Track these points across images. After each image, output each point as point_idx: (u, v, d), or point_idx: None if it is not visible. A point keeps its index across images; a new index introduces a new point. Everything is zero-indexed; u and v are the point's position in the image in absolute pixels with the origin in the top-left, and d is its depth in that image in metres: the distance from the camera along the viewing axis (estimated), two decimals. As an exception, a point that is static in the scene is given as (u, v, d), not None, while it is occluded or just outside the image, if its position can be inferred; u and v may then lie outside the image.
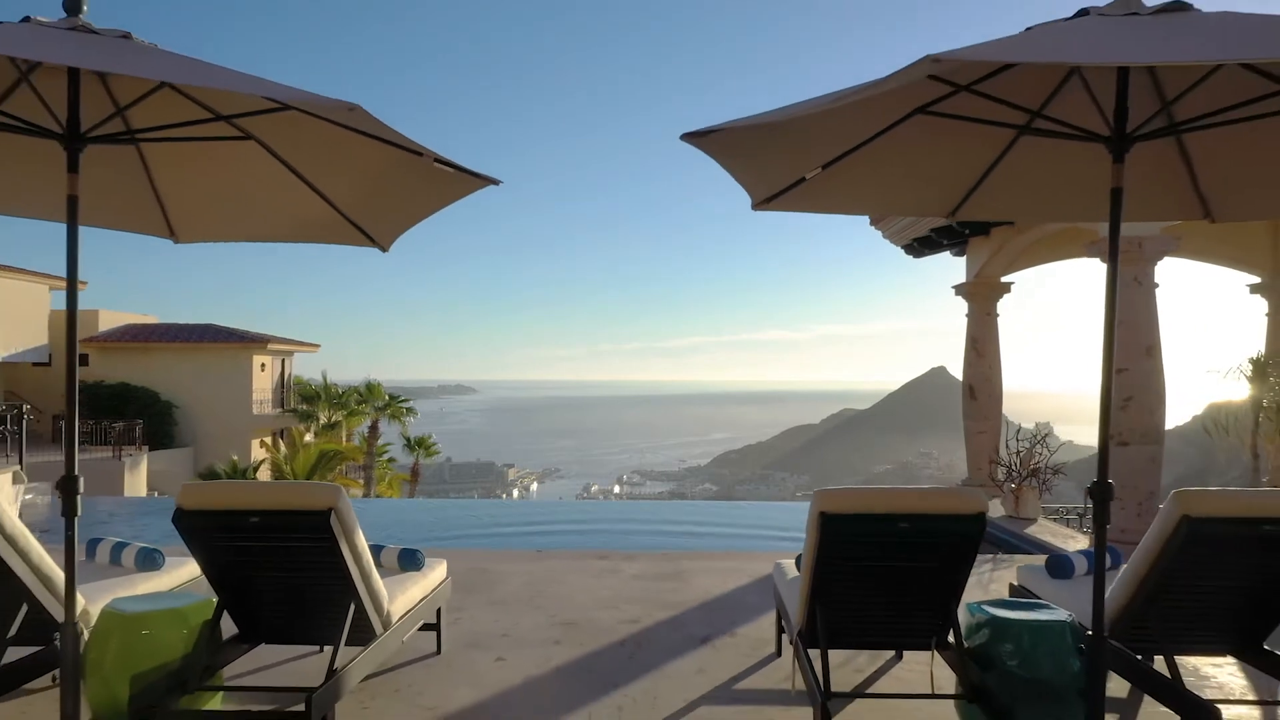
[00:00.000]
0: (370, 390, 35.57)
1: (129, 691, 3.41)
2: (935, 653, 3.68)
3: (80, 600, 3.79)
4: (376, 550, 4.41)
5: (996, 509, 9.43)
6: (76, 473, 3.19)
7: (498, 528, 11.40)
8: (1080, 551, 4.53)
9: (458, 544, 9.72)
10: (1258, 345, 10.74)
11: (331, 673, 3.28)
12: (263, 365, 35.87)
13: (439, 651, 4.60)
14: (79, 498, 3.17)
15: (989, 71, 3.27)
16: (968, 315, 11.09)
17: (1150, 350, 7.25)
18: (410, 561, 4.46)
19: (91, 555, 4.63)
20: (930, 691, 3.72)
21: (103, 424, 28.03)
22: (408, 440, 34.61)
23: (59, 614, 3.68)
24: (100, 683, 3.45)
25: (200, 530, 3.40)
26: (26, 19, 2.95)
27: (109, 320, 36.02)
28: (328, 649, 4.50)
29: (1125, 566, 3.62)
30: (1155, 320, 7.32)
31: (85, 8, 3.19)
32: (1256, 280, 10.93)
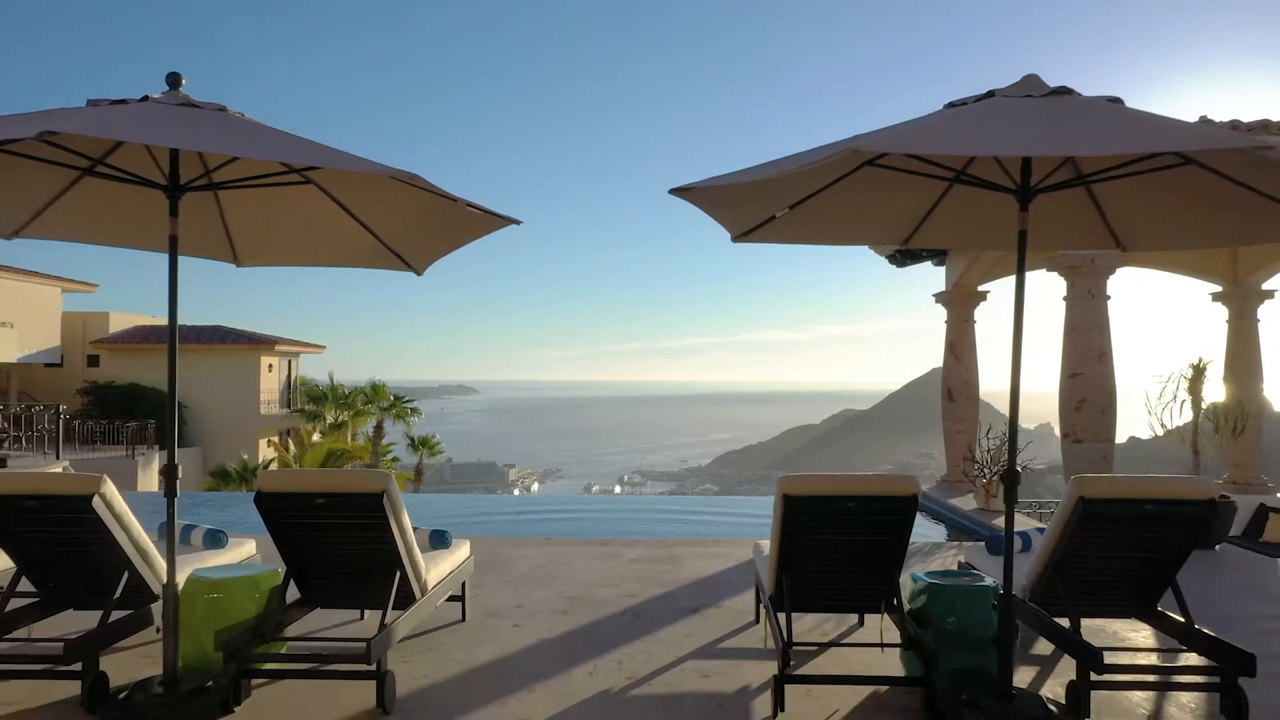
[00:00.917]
0: (375, 390, 36.32)
1: (214, 644, 4.14)
2: (885, 614, 4.40)
3: (162, 569, 4.53)
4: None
5: (970, 502, 10.16)
6: (176, 462, 3.93)
7: (503, 516, 12.12)
8: (1017, 533, 5.25)
9: (470, 531, 10.43)
10: (1220, 350, 11.50)
11: (383, 626, 4.00)
12: (270, 366, 36.62)
13: (464, 619, 5.33)
14: (177, 483, 3.91)
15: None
16: (946, 322, 11.81)
17: (1102, 356, 7.97)
18: (440, 540, 5.19)
19: (163, 537, 5.35)
20: (879, 644, 4.45)
21: (115, 424, 28.76)
22: (411, 440, 35.32)
23: (151, 582, 4.41)
24: (189, 637, 4.18)
25: (276, 509, 4.13)
26: (146, 98, 3.67)
27: (119, 322, 36.76)
28: (367, 617, 5.23)
29: (1040, 542, 4.35)
30: (1107, 329, 8.04)
31: (184, 81, 3.92)
32: (1218, 289, 11.66)
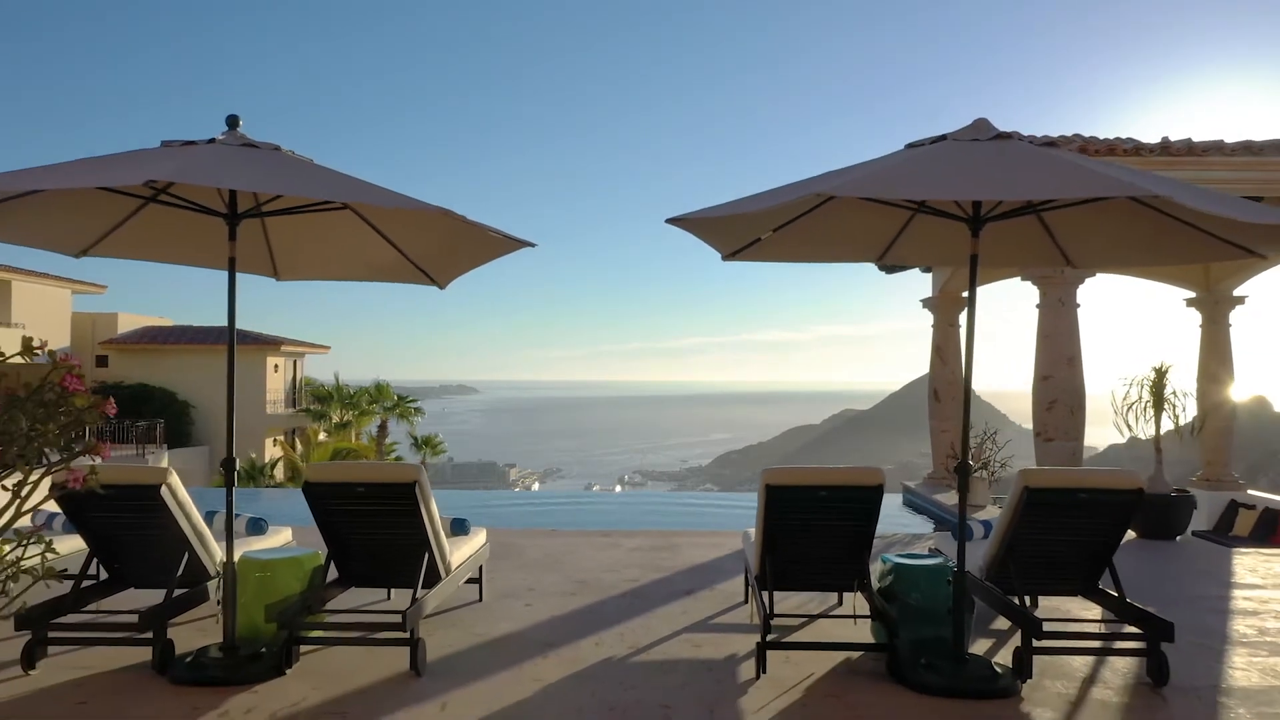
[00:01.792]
0: (380, 391, 36.93)
1: (264, 616, 4.71)
2: (857, 591, 4.96)
3: (218, 551, 5.11)
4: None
5: (954, 498, 10.72)
6: (234, 456, 4.50)
7: (506, 510, 12.70)
8: (980, 521, 5.82)
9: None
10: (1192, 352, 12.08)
11: (414, 599, 4.56)
12: (275, 366, 37.20)
13: (481, 599, 5.90)
14: (234, 475, 4.48)
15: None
16: (933, 326, 12.38)
17: (1071, 360, 8.54)
18: (460, 528, 5.76)
19: (209, 524, 5.91)
20: (853, 615, 5.02)
21: (124, 423, 29.29)
22: (415, 439, 35.88)
23: (207, 562, 4.98)
24: (241, 610, 4.74)
25: (321, 496, 4.70)
26: (213, 140, 4.24)
27: (127, 323, 37.34)
28: (394, 597, 5.79)
29: (994, 527, 4.92)
30: (1077, 334, 8.60)
31: (241, 123, 4.48)
32: (1192, 295, 12.23)
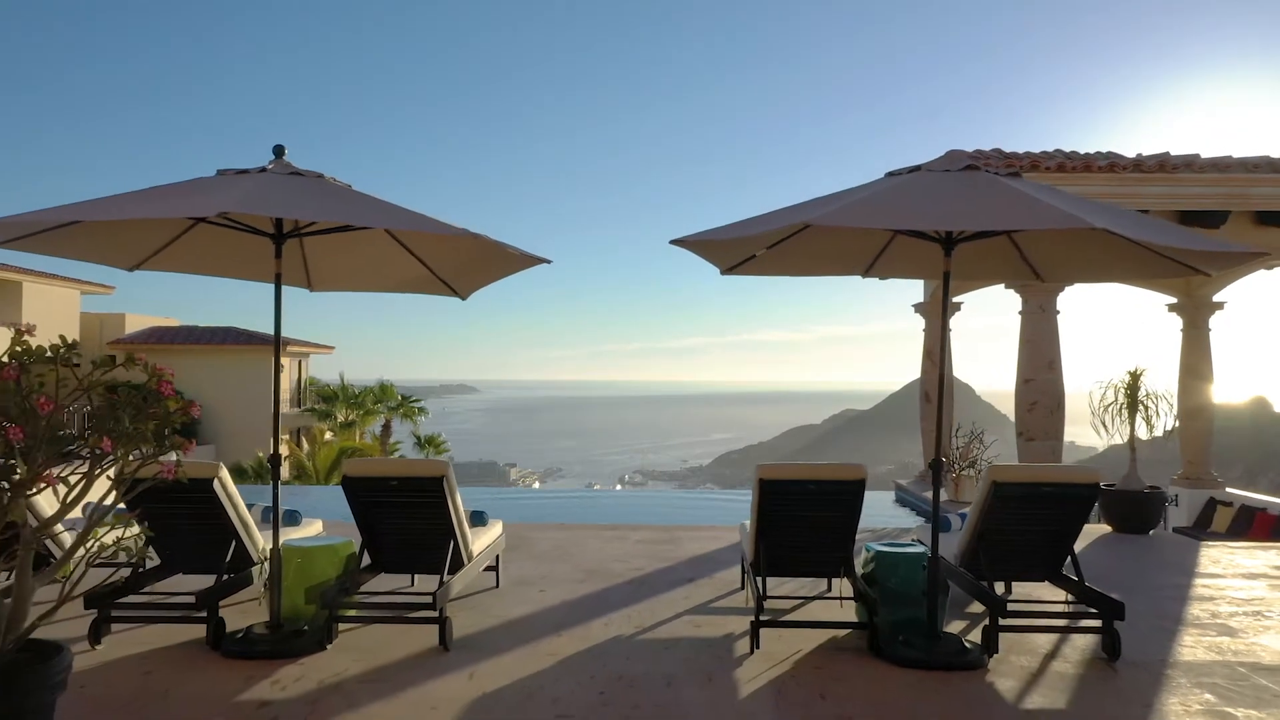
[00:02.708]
0: (384, 390, 37.47)
1: (304, 598, 5.20)
2: (844, 577, 5.45)
3: (260, 540, 5.60)
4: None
5: (942, 495, 11.22)
6: (279, 453, 4.99)
7: (511, 505, 13.19)
8: (960, 514, 6.31)
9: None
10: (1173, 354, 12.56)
11: (442, 582, 5.05)
12: (282, 366, 37.72)
13: (498, 586, 6.39)
14: (280, 469, 4.96)
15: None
16: (925, 330, 12.87)
17: (1051, 364, 9.03)
18: (478, 519, 6.25)
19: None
20: (839, 597, 5.51)
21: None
22: (418, 439, 36.39)
23: (251, 550, 5.47)
24: (283, 593, 5.23)
25: (358, 490, 5.19)
26: (263, 169, 4.72)
27: (135, 323, 37.82)
28: (417, 582, 6.28)
29: (967, 518, 5.41)
30: (1056, 339, 9.09)
31: (287, 151, 4.97)
32: (1174, 301, 12.72)
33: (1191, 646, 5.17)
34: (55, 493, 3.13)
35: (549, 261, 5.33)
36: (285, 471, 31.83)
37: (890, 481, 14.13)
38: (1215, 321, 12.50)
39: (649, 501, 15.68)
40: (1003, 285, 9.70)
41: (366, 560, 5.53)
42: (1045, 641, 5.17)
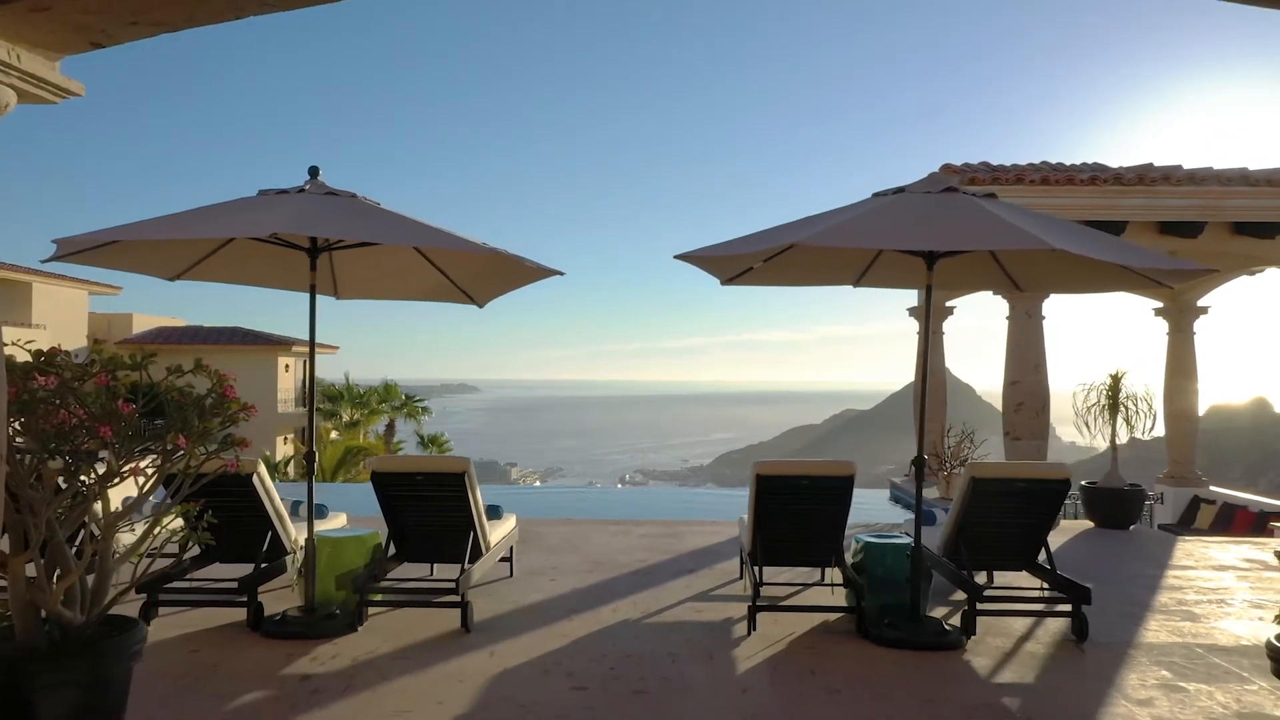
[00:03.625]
0: (388, 390, 37.94)
1: (335, 585, 5.63)
2: (834, 565, 5.87)
3: (293, 531, 6.02)
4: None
5: (934, 491, 11.65)
6: (313, 450, 5.42)
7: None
8: (943, 509, 6.73)
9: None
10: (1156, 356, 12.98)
11: (464, 569, 5.48)
12: (286, 366, 38.11)
13: (511, 575, 6.82)
14: (315, 466, 5.39)
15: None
16: (919, 333, 13.28)
17: (1037, 367, 9.45)
18: (494, 513, 6.67)
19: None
20: (830, 584, 5.95)
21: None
22: (421, 438, 36.84)
23: (285, 540, 5.89)
24: (316, 580, 5.66)
25: (386, 484, 5.62)
26: (301, 189, 5.14)
27: (142, 324, 38.28)
28: (436, 571, 6.69)
29: (949, 512, 5.83)
30: (1042, 343, 9.52)
31: (321, 172, 5.40)
32: (1160, 305, 13.14)
33: (1155, 630, 5.59)
34: (136, 483, 3.55)
35: (562, 273, 5.75)
36: (291, 470, 32.29)
37: (889, 480, 14.56)
38: (1202, 325, 12.91)
39: (651, 498, 16.12)
40: (991, 291, 10.11)
41: (392, 550, 5.96)
42: (1020, 625, 5.60)
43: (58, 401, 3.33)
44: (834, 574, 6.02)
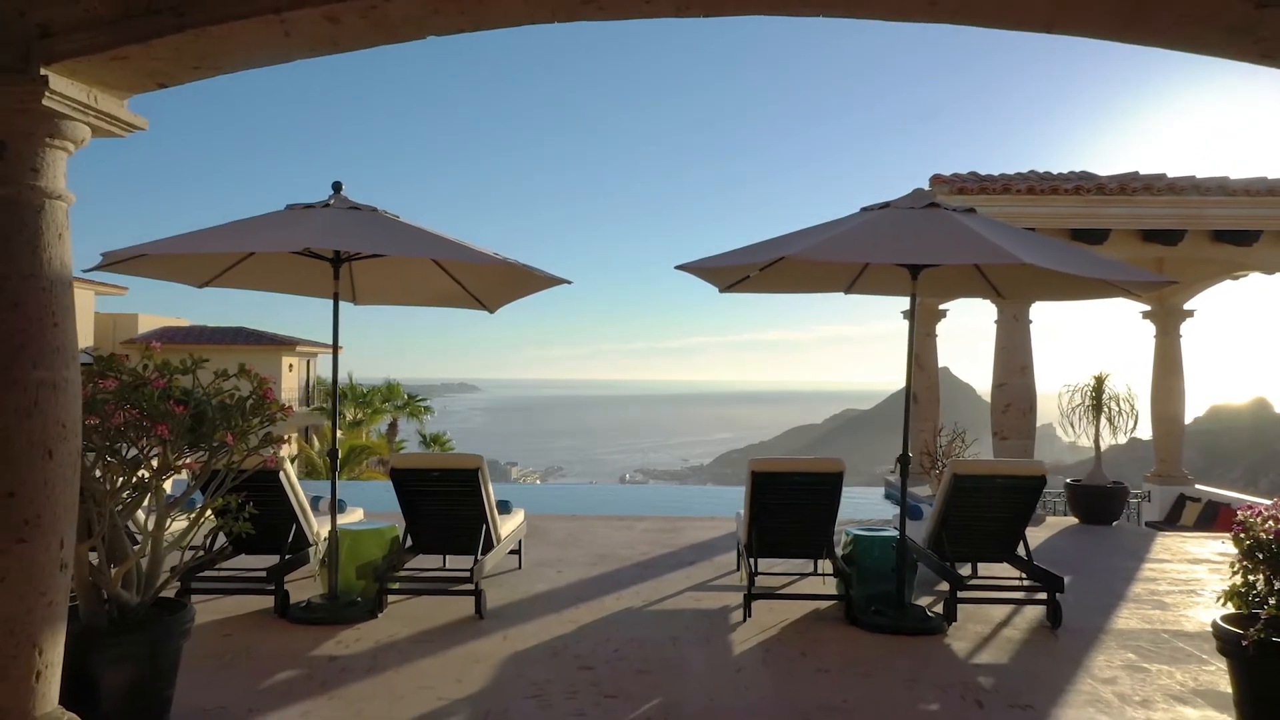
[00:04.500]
0: (391, 389, 38.33)
1: (355, 574, 5.99)
2: (826, 556, 6.23)
3: (316, 523, 6.39)
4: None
5: (926, 490, 12.01)
6: (336, 448, 5.79)
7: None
8: (930, 504, 7.09)
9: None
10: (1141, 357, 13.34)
11: (477, 560, 5.85)
12: (290, 366, 38.48)
13: (520, 567, 7.19)
14: (338, 463, 5.75)
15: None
16: (907, 339, 13.64)
17: (1024, 369, 9.82)
18: (503, 508, 7.03)
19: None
20: (821, 574, 6.32)
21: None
22: (423, 437, 37.21)
23: (308, 533, 6.25)
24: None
25: (404, 480, 5.99)
26: (326, 204, 5.50)
27: (147, 324, 38.64)
28: (449, 563, 7.06)
29: (933, 506, 6.20)
30: (1028, 346, 9.88)
31: (344, 187, 5.76)
32: (1147, 309, 13.50)
33: (1127, 618, 5.96)
34: (191, 476, 3.92)
35: (569, 282, 6.11)
36: (296, 469, 32.66)
37: (884, 479, 14.90)
38: (1192, 328, 13.26)
39: (652, 495, 16.49)
40: (979, 295, 10.48)
41: (408, 542, 6.33)
42: (1000, 612, 5.96)
43: (117, 403, 3.70)
44: (825, 565, 6.39)
